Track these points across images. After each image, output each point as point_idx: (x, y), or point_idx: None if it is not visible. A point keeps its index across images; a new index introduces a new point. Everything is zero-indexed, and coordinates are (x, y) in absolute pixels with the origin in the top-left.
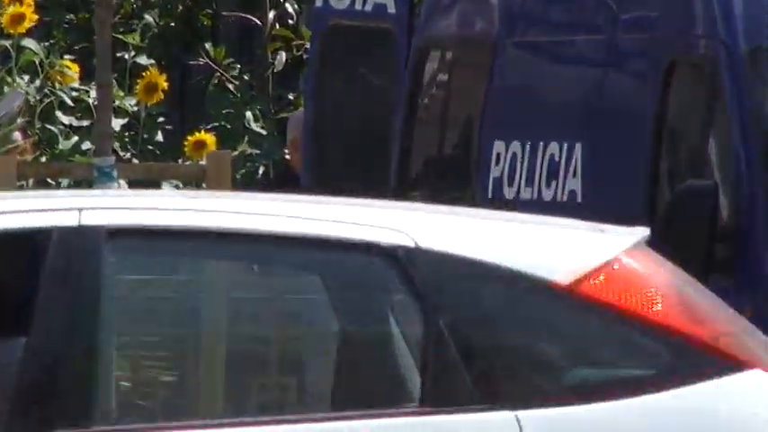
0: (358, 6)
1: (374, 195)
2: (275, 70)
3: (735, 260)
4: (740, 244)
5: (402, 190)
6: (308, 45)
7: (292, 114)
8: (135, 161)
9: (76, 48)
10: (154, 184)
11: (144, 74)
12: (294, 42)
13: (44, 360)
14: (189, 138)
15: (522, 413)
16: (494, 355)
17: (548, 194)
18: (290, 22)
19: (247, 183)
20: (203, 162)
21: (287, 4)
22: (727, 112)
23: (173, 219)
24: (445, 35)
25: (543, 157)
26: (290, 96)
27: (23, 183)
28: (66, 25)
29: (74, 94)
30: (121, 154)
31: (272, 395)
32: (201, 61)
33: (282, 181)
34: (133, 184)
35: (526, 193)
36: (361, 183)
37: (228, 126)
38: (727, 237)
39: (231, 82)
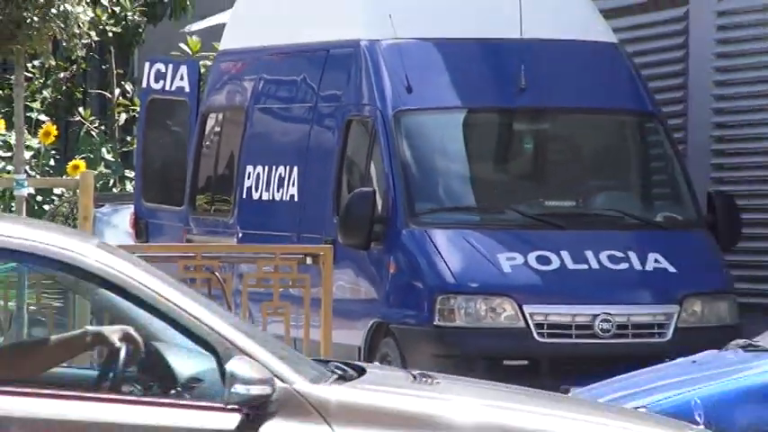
0: (167, 88)
1: (177, 201)
2: (119, 124)
3: (384, 234)
4: (387, 225)
5: (193, 195)
6: (138, 110)
7: None
8: (38, 176)
9: (2, 111)
10: (49, 191)
11: (43, 126)
12: (130, 107)
13: None
14: (69, 163)
15: None
16: None
17: (277, 196)
18: (128, 95)
19: (103, 190)
20: (77, 177)
21: (126, 85)
22: (381, 151)
23: None
24: (218, 104)
25: (275, 175)
26: (128, 139)
27: None
28: None
29: (1, 138)
30: (30, 173)
31: None
32: (77, 118)
33: None
34: (37, 191)
35: (265, 196)
36: (170, 194)
37: (92, 156)
38: (380, 221)
39: (94, 131)
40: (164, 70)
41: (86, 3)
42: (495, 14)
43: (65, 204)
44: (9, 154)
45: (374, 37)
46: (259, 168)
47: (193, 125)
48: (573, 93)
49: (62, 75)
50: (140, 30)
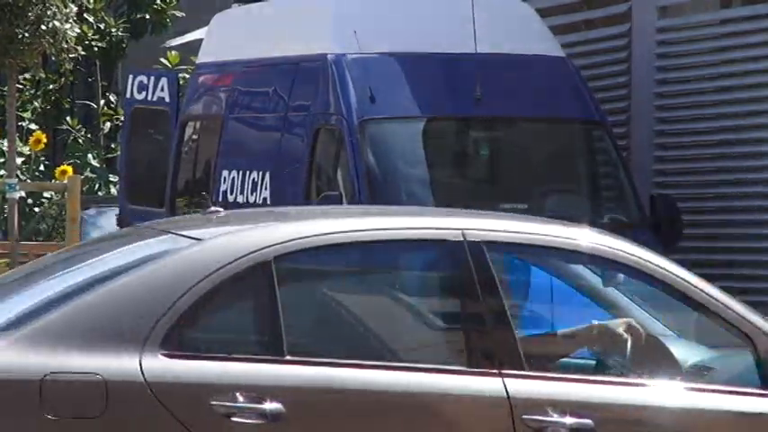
0: (149, 98)
1: (158, 203)
2: (104, 132)
3: None
4: None
5: (173, 198)
6: (122, 119)
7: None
8: (29, 180)
9: None
10: (39, 194)
11: (33, 134)
12: (114, 116)
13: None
14: (57, 168)
15: None
16: None
17: (251, 199)
18: (112, 105)
19: (89, 193)
20: (65, 181)
21: (110, 96)
22: (347, 157)
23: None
24: (196, 113)
25: (248, 179)
26: (113, 146)
27: None
28: None
29: None
30: (21, 177)
31: None
32: (65, 126)
33: None
34: (28, 194)
35: (240, 199)
36: (151, 196)
37: (79, 162)
38: None
39: (81, 138)
40: (145, 82)
41: (73, 20)
42: (452, 31)
43: (53, 207)
44: (2, 160)
45: (340, 51)
46: (234, 173)
47: (173, 133)
48: (525, 103)
49: (51, 87)
50: (124, 45)
